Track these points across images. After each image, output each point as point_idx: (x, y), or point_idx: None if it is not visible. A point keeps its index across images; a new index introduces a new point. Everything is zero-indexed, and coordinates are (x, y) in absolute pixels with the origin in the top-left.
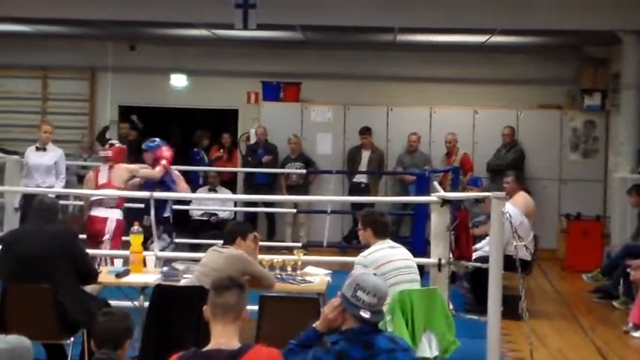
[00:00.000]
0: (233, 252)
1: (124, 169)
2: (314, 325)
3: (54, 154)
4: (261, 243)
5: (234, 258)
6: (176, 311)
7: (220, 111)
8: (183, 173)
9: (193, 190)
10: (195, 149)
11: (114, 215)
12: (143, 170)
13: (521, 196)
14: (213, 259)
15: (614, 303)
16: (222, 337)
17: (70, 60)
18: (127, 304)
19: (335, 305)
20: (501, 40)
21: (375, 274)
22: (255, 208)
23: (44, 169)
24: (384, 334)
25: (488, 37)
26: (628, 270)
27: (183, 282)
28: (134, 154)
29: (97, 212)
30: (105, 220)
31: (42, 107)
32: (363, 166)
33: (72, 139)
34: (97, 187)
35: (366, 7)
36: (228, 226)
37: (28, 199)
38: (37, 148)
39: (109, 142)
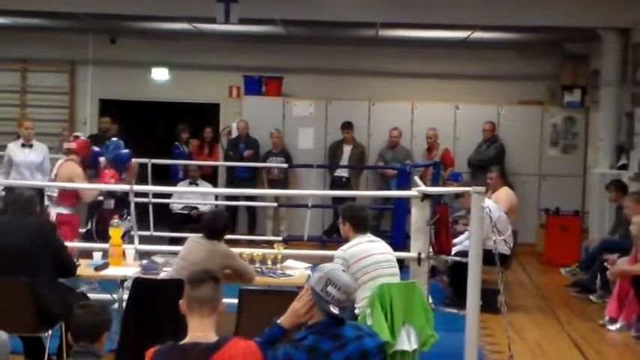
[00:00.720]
0: (215, 246)
1: (72, 168)
2: (278, 322)
3: (41, 151)
4: (241, 237)
5: (216, 252)
6: (155, 304)
7: (202, 105)
8: (165, 167)
9: (174, 184)
10: (176, 143)
11: (56, 210)
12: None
13: (504, 192)
14: (193, 252)
15: (591, 297)
16: (199, 330)
17: (50, 53)
18: (106, 296)
19: (306, 300)
20: (483, 36)
21: (344, 271)
22: (236, 202)
23: (34, 167)
24: (348, 324)
25: (469, 32)
26: (605, 265)
27: (162, 275)
28: None
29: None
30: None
31: (21, 100)
32: (345, 160)
33: (52, 132)
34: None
35: (348, 2)
36: (218, 222)
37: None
38: (23, 145)
39: (74, 134)
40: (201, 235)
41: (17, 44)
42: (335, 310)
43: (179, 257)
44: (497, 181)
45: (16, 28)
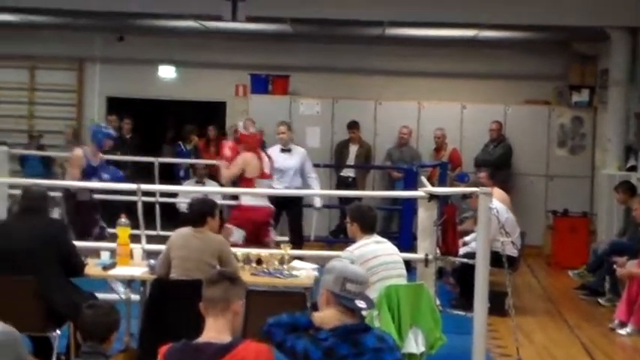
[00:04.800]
0: (212, 236)
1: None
2: (313, 314)
3: (299, 155)
4: None
5: (210, 240)
6: (174, 305)
7: (208, 103)
8: (170, 165)
9: (178, 183)
10: (179, 142)
11: None
12: (69, 168)
13: (496, 192)
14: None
15: (600, 300)
16: (213, 330)
17: (58, 50)
18: (114, 296)
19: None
20: (490, 35)
21: (352, 262)
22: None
23: (292, 172)
24: (373, 332)
25: (476, 31)
26: (614, 267)
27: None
28: (124, 148)
29: None
30: None
31: (29, 97)
32: (351, 160)
33: (60, 130)
34: None
35: (355, 1)
36: (195, 207)
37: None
38: (282, 150)
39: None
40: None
41: (25, 42)
42: (362, 304)
43: (179, 257)
44: (487, 182)
45: (25, 25)
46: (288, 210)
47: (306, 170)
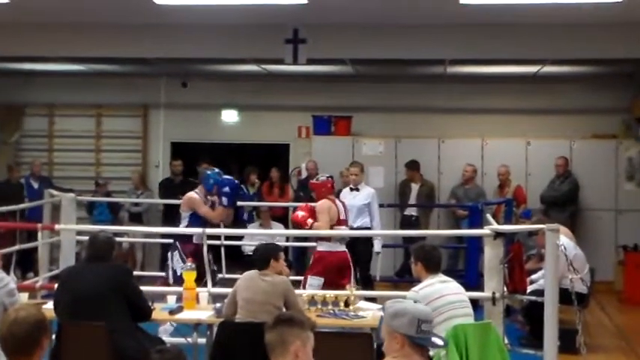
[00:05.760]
0: (274, 278)
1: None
2: None
3: (366, 194)
4: None
5: (276, 284)
6: (240, 347)
7: (271, 145)
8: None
9: (242, 226)
10: (241, 185)
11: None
12: (203, 209)
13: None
14: (260, 289)
15: None
16: None
17: (124, 97)
18: (181, 340)
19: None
20: (553, 70)
21: (416, 302)
22: (306, 242)
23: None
24: None
25: (539, 67)
26: None
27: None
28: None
29: None
30: None
31: (96, 145)
32: (413, 199)
33: (125, 176)
34: None
35: (416, 40)
36: (259, 250)
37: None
38: (352, 189)
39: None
40: (254, 271)
41: (92, 90)
42: (439, 342)
43: (243, 298)
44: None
45: (91, 74)
46: (356, 250)
47: (371, 211)
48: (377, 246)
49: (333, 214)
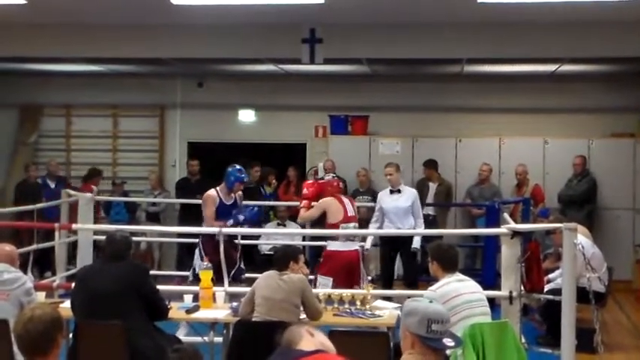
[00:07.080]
0: (291, 277)
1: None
2: None
3: (409, 196)
4: None
5: (294, 283)
6: (257, 346)
7: (288, 145)
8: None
9: (259, 226)
10: (259, 185)
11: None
12: (208, 212)
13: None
14: (279, 287)
15: None
16: None
17: (140, 98)
18: (197, 339)
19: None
20: (571, 69)
21: (431, 302)
22: (323, 241)
23: (401, 213)
24: None
25: (557, 66)
26: None
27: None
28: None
29: None
30: None
31: (113, 145)
32: (430, 198)
33: (142, 176)
34: None
35: (433, 39)
36: (279, 252)
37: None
38: (391, 191)
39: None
40: (273, 270)
41: (108, 90)
42: (450, 343)
43: (261, 297)
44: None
45: (108, 74)
46: (402, 251)
47: (414, 211)
48: (416, 243)
49: (336, 211)
